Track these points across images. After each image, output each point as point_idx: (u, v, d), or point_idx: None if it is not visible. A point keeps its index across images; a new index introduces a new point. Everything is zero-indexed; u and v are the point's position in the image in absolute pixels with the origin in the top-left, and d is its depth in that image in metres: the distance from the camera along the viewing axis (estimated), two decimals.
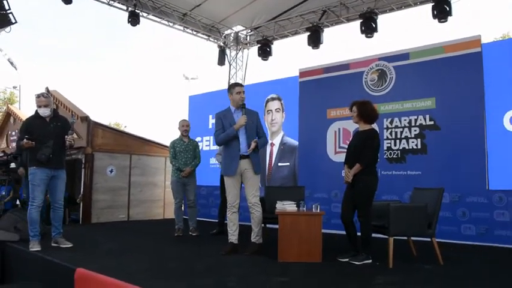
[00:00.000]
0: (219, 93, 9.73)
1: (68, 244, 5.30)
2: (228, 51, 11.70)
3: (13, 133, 11.96)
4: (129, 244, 5.73)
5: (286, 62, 32.37)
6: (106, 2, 9.39)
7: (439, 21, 7.95)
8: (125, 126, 31.86)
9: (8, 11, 6.01)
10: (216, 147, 8.77)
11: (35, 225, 5.11)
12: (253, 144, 4.81)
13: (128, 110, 52.56)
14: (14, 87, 27.18)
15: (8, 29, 6.12)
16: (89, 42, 52.08)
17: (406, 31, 42.17)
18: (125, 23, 9.47)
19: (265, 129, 5.84)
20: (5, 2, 5.98)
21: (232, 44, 11.69)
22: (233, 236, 4.94)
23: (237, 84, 5.12)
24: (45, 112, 5.25)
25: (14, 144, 11.69)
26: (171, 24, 10.49)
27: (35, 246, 4.98)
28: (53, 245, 5.28)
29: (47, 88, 9.31)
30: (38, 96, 5.26)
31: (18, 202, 8.52)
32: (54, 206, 5.36)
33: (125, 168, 9.06)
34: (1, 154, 6.82)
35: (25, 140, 5.05)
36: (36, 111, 5.33)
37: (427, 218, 4.24)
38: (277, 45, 10.95)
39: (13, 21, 6.08)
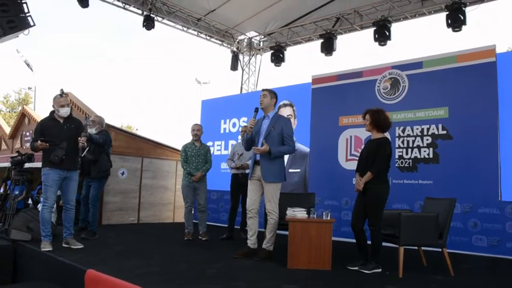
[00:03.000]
0: (232, 98, 9.80)
1: (78, 245, 5.34)
2: (241, 56, 11.76)
3: (27, 133, 12.11)
4: (139, 247, 5.76)
5: (298, 69, 32.40)
6: (122, 6, 9.51)
7: (453, 30, 7.91)
8: (137, 129, 32.08)
9: (27, 14, 6.12)
10: (227, 152, 8.82)
11: (47, 225, 5.18)
12: (263, 147, 4.76)
13: (139, 113, 52.92)
14: (29, 88, 27.52)
15: (26, 31, 6.23)
16: (102, 45, 52.63)
17: (419, 39, 41.99)
18: (139, 26, 9.59)
19: None
20: (24, 6, 6.09)
21: (245, 49, 11.76)
22: (249, 241, 4.95)
23: (262, 90, 5.15)
24: (67, 112, 5.37)
25: (27, 145, 11.85)
26: (185, 28, 10.58)
27: (46, 247, 5.04)
28: (64, 245, 5.32)
29: (61, 89, 9.41)
30: (61, 95, 5.37)
31: (30, 201, 8.63)
32: (66, 206, 5.43)
33: (137, 170, 9.12)
34: (15, 154, 6.89)
35: (39, 141, 5.13)
36: (52, 112, 5.42)
37: (438, 228, 4.21)
38: (290, 52, 11.00)
39: (31, 23, 6.19)
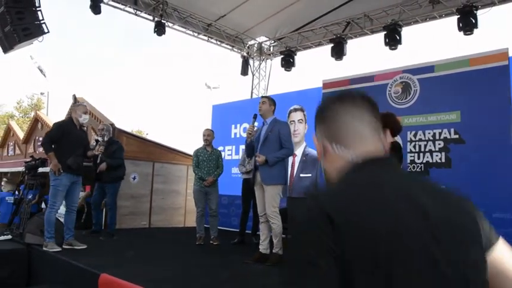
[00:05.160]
0: (242, 103, 9.82)
1: (82, 246, 5.44)
2: (251, 61, 11.79)
3: (40, 138, 12.25)
4: (151, 251, 5.80)
5: (308, 73, 32.39)
6: (133, 12, 9.61)
7: (465, 34, 7.87)
8: (147, 134, 32.29)
9: (42, 22, 6.23)
10: (238, 157, 8.84)
11: (52, 227, 5.32)
12: (261, 158, 4.80)
13: (149, 117, 53.25)
14: (42, 94, 27.87)
15: (40, 38, 6.35)
16: (113, 51, 53.10)
17: (430, 43, 41.80)
18: (150, 32, 9.68)
19: None
20: (39, 13, 6.20)
21: (255, 54, 11.79)
22: (261, 246, 4.97)
23: (261, 97, 5.25)
24: (87, 119, 5.52)
25: (40, 150, 11.98)
26: (195, 34, 10.65)
27: (54, 247, 5.15)
28: (65, 247, 5.40)
29: (74, 95, 9.53)
30: (83, 103, 5.54)
31: (43, 205, 8.72)
32: (69, 209, 5.53)
33: (148, 175, 9.17)
34: (29, 159, 6.99)
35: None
36: (71, 117, 5.54)
37: None
38: (300, 56, 11.00)
39: (45, 30, 6.30)
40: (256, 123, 5.21)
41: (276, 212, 4.85)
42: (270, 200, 4.83)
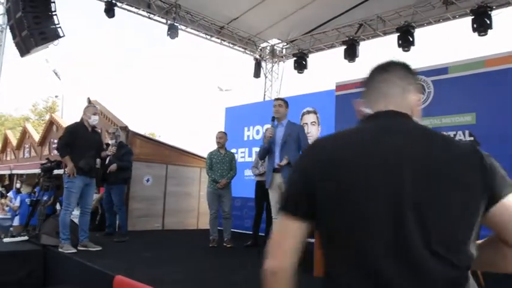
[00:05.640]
0: (255, 105, 9.83)
1: (96, 247, 5.48)
2: (263, 63, 11.81)
3: (55, 141, 12.40)
4: (165, 253, 5.83)
5: (321, 75, 32.30)
6: (147, 15, 9.69)
7: (479, 35, 7.79)
8: (159, 136, 32.45)
9: (57, 26, 6.33)
10: (251, 159, 8.85)
11: (67, 228, 5.39)
12: (283, 161, 4.82)
13: (162, 120, 53.57)
14: (56, 97, 28.22)
15: (56, 42, 6.45)
16: (125, 52, 53.55)
17: (444, 45, 41.40)
18: (161, 33, 9.77)
19: None
20: (55, 17, 6.30)
21: (268, 56, 11.81)
22: None
23: (275, 99, 5.23)
24: (97, 120, 5.58)
25: (56, 152, 12.13)
26: (208, 37, 10.70)
27: (69, 249, 5.21)
28: (81, 248, 5.45)
29: (88, 98, 9.65)
30: (94, 106, 5.60)
31: (58, 207, 8.82)
32: (83, 210, 5.59)
33: (161, 177, 9.22)
34: (45, 161, 7.07)
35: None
36: (82, 119, 5.59)
37: None
38: (312, 59, 10.99)
39: (61, 34, 6.40)
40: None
41: None
42: None
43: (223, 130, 7.68)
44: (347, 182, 1.07)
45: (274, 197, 4.99)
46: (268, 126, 5.41)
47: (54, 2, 6.44)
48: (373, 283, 1.02)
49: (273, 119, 5.03)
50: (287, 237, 1.16)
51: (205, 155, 6.92)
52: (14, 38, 7.10)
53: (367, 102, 1.28)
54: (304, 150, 1.29)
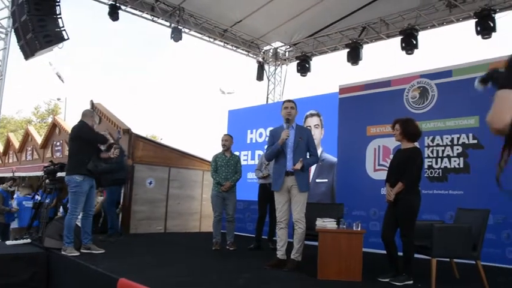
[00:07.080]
0: (258, 108, 9.84)
1: (100, 250, 5.48)
2: (266, 66, 11.83)
3: (58, 143, 12.41)
4: (168, 256, 5.82)
5: (324, 78, 32.31)
6: (150, 18, 9.72)
7: (483, 38, 7.80)
8: (161, 139, 32.46)
9: (62, 29, 6.35)
10: (253, 162, 8.84)
11: (72, 232, 5.37)
12: (298, 165, 4.80)
13: (164, 122, 53.61)
14: (58, 99, 28.28)
15: (60, 45, 6.47)
16: (127, 55, 53.68)
17: (448, 48, 41.34)
18: (164, 36, 9.81)
19: None
20: (59, 20, 6.31)
21: (271, 59, 11.83)
22: (279, 252, 4.94)
23: (286, 101, 5.19)
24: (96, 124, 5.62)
25: (58, 154, 12.14)
26: (211, 40, 10.72)
27: (73, 251, 5.21)
28: (84, 251, 5.44)
29: (91, 101, 9.66)
30: (90, 110, 5.64)
31: (61, 209, 8.82)
32: (86, 213, 5.59)
33: (164, 180, 9.22)
34: (48, 164, 7.07)
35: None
36: (85, 123, 5.63)
37: (472, 240, 4.12)
38: (315, 61, 11.00)
39: (66, 37, 6.42)
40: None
41: (304, 217, 4.88)
42: (302, 207, 4.88)
43: (227, 133, 7.66)
44: None
45: (280, 200, 4.96)
46: (271, 128, 5.38)
47: (59, 5, 6.47)
48: None
49: (287, 120, 5.00)
50: None
51: (207, 158, 6.92)
52: (18, 40, 7.13)
53: None
54: None
